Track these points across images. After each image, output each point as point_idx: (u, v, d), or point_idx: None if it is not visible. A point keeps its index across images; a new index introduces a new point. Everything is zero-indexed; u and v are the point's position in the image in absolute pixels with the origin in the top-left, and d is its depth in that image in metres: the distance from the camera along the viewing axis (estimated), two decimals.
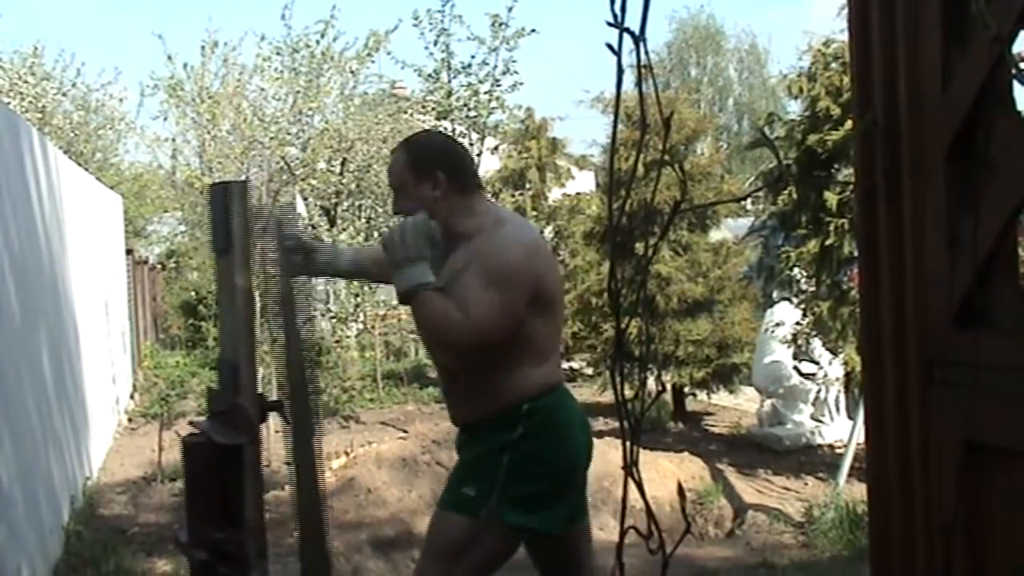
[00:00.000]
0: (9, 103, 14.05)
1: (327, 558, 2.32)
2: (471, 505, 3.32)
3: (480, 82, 11.09)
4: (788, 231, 8.72)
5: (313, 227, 12.66)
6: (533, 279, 3.29)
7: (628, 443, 1.88)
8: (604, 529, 6.24)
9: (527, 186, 16.34)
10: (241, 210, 2.13)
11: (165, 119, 12.37)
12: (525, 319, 3.28)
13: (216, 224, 2.17)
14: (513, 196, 16.13)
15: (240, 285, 2.15)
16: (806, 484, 8.55)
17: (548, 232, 15.25)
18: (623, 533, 1.99)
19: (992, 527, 1.65)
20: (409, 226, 3.20)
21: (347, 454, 8.24)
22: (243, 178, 10.11)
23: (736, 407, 12.16)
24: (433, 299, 3.19)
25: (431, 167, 3.32)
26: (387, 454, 7.77)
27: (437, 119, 11.67)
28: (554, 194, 16.79)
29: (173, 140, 15.23)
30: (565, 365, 10.76)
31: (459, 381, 3.46)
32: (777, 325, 9.65)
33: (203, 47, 12.50)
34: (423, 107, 12.35)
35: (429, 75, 11.28)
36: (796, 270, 8.72)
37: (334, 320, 13.23)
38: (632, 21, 1.41)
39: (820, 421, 10.15)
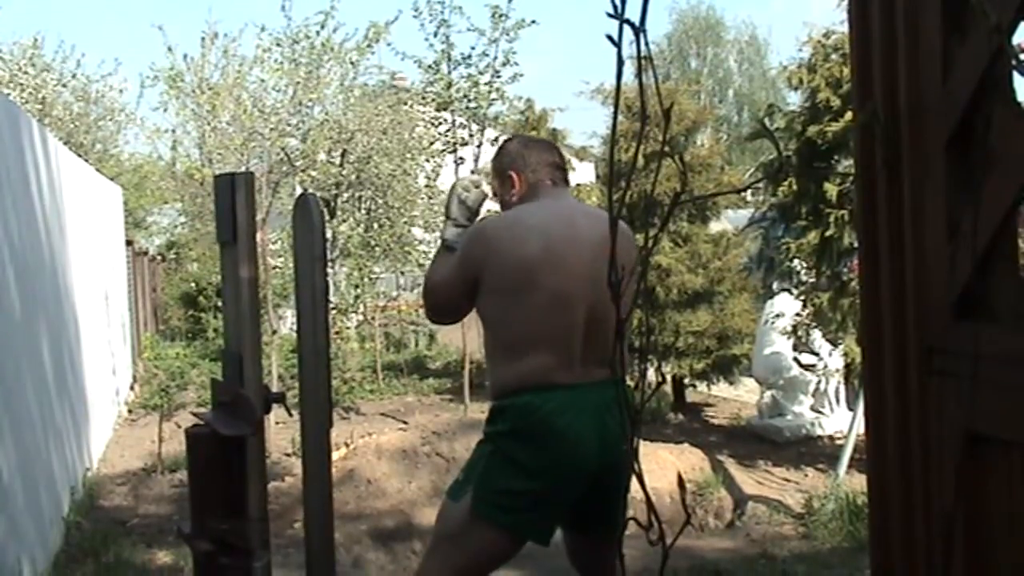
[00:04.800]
0: (9, 94, 14.04)
1: (331, 549, 2.32)
2: (457, 489, 3.39)
3: (480, 73, 11.03)
4: (788, 222, 8.73)
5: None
6: (472, 262, 3.39)
7: (628, 434, 1.89)
8: None
9: None
10: (246, 201, 2.13)
11: (165, 110, 12.29)
12: (484, 309, 3.43)
13: (221, 215, 2.16)
14: None
15: (245, 276, 2.14)
16: (806, 475, 8.56)
17: None
18: (623, 525, 2.00)
19: (992, 517, 1.66)
20: (454, 191, 3.71)
21: (347, 445, 8.25)
22: (243, 169, 10.10)
23: (736, 398, 12.17)
24: (439, 255, 3.67)
25: (505, 170, 3.61)
26: (387, 445, 7.77)
27: (437, 110, 11.64)
28: None
29: (173, 131, 15.19)
30: None
31: None
32: (777, 316, 9.66)
33: (203, 38, 12.47)
34: (423, 98, 12.30)
35: (429, 66, 11.23)
36: (796, 261, 8.72)
37: (334, 311, 13.23)
38: (632, 12, 1.41)
39: (820, 412, 10.16)
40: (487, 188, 3.71)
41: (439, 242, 3.71)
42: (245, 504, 2.12)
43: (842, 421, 9.40)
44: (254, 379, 2.15)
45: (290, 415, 2.57)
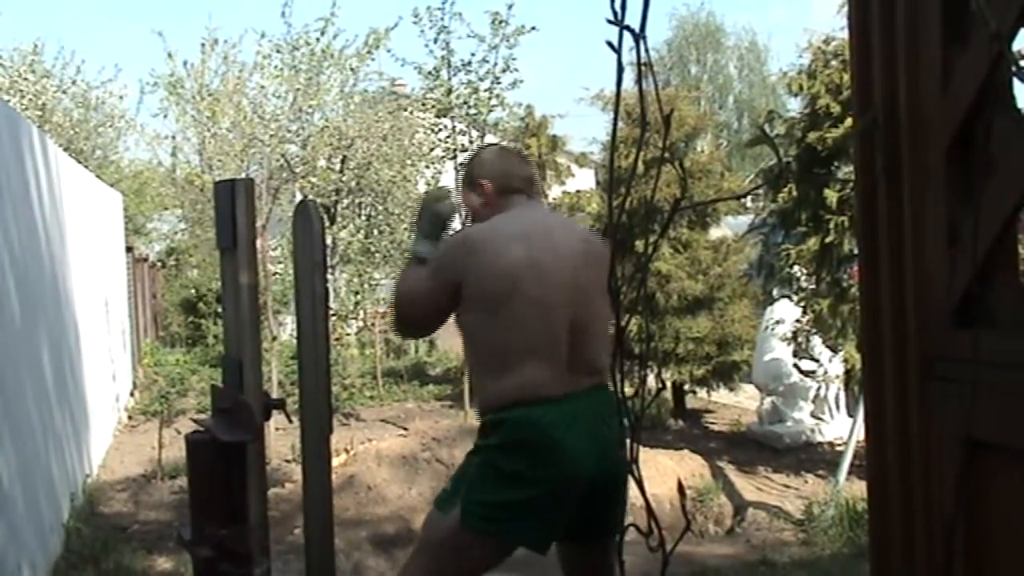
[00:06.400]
0: (9, 101, 14.05)
1: (332, 555, 2.32)
2: (444, 501, 3.40)
3: (480, 79, 11.05)
4: (788, 229, 8.73)
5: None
6: (453, 270, 3.34)
7: (628, 440, 1.89)
8: None
9: None
10: (247, 208, 2.13)
11: (165, 116, 12.41)
12: (464, 320, 3.38)
13: (222, 222, 2.16)
14: None
15: (245, 282, 2.15)
16: (806, 481, 8.56)
17: None
18: (623, 531, 2.00)
19: (992, 524, 1.66)
20: (423, 206, 3.64)
21: (347, 451, 8.24)
22: (243, 175, 10.11)
23: (736, 405, 12.17)
24: (409, 267, 3.61)
25: (477, 178, 3.58)
26: (387, 451, 7.77)
27: (437, 116, 11.66)
28: (554, 192, 16.79)
29: (173, 137, 15.29)
30: None
31: None
32: (777, 323, 9.66)
33: (203, 44, 12.50)
34: (423, 104, 12.32)
35: (429, 72, 11.26)
36: (796, 267, 8.72)
37: (334, 318, 13.25)
38: (632, 19, 1.42)
39: (820, 419, 10.16)
40: (457, 200, 3.69)
41: (412, 256, 3.61)
42: (245, 510, 2.12)
43: (842, 427, 9.39)
44: (254, 385, 2.15)
45: (290, 421, 2.56)
